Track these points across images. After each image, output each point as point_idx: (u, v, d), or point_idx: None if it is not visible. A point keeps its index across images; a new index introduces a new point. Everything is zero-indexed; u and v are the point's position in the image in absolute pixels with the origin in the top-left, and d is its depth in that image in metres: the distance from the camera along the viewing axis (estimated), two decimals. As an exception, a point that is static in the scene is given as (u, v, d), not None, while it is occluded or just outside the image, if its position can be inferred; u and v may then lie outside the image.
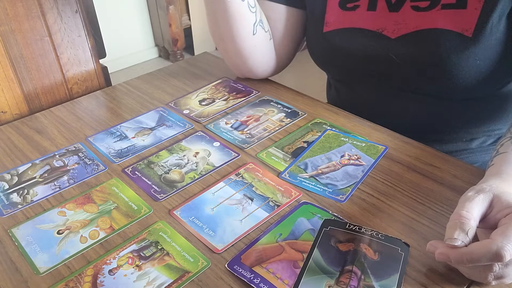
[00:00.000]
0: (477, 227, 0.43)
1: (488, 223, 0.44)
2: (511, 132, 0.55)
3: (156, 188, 0.59)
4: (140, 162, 0.64)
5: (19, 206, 0.57)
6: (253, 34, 0.74)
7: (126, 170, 0.63)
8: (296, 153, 0.64)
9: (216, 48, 0.82)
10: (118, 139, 0.70)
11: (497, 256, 0.39)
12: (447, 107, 0.70)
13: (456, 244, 0.41)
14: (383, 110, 0.74)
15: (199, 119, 0.74)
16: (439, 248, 0.43)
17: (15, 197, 0.59)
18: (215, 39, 0.79)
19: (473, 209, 0.43)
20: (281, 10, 0.77)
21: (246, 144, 0.67)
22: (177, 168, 0.62)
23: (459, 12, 0.59)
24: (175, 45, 2.73)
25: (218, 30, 0.75)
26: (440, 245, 0.43)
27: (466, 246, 0.41)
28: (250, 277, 0.46)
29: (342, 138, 0.66)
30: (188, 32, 2.76)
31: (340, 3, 0.70)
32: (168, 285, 0.46)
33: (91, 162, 0.65)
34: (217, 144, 0.67)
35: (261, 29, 0.75)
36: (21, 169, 0.64)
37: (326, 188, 0.57)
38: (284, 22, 0.78)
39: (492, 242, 0.40)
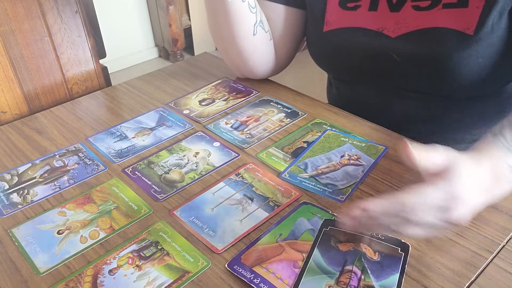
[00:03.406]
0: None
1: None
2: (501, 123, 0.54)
3: (156, 188, 0.59)
4: (140, 162, 0.64)
5: (19, 206, 0.57)
6: (254, 35, 0.74)
7: (126, 170, 0.63)
8: (296, 153, 0.64)
9: (216, 48, 0.82)
10: (118, 139, 0.70)
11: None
12: (449, 107, 0.70)
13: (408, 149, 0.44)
14: (384, 110, 0.74)
15: (199, 119, 0.74)
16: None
17: (15, 197, 0.59)
18: (215, 40, 0.79)
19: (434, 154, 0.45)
20: (280, 10, 0.77)
21: (246, 144, 0.67)
22: (177, 168, 0.62)
23: (461, 11, 0.59)
24: (175, 45, 2.73)
25: (218, 30, 0.75)
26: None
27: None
28: (250, 277, 0.46)
29: (342, 138, 0.66)
30: (188, 32, 2.76)
31: (341, 2, 0.70)
32: (168, 285, 0.46)
33: (91, 162, 0.65)
34: (217, 144, 0.67)
35: (262, 30, 0.75)
36: (21, 169, 0.64)
37: (326, 188, 0.57)
38: (284, 22, 0.78)
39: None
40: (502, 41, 0.59)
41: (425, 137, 0.67)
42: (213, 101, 0.79)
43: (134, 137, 0.70)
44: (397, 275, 0.45)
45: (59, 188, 0.60)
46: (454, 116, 0.71)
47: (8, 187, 0.61)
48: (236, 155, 0.64)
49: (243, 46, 0.75)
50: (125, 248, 0.50)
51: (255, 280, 0.45)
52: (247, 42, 0.75)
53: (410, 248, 0.48)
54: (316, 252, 0.48)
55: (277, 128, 0.70)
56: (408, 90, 0.70)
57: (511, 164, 0.47)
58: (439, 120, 0.72)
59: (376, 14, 0.67)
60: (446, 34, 0.60)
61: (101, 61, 0.91)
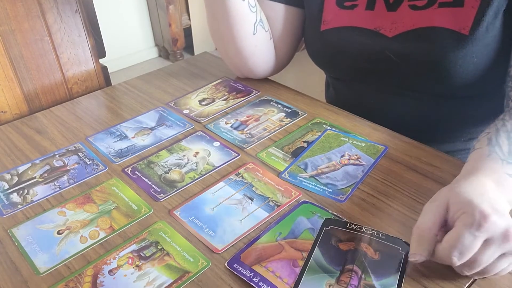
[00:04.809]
0: (444, 230, 0.44)
1: (450, 226, 0.44)
2: (489, 128, 0.54)
3: (156, 188, 0.59)
4: (140, 162, 0.64)
5: (19, 206, 0.57)
6: (254, 34, 0.74)
7: (126, 170, 0.63)
8: (296, 153, 0.64)
9: (216, 48, 0.82)
10: (118, 139, 0.70)
11: (450, 262, 0.42)
12: (446, 105, 0.70)
13: (416, 259, 0.43)
14: (381, 109, 0.74)
15: (199, 119, 0.74)
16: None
17: (15, 197, 0.59)
18: (215, 40, 0.79)
19: (428, 220, 0.44)
20: (280, 9, 0.77)
21: (246, 144, 0.67)
22: (177, 168, 0.62)
23: (456, 10, 0.59)
24: (175, 45, 2.73)
25: (218, 30, 0.75)
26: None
27: (429, 255, 0.43)
28: (250, 275, 0.46)
29: (342, 138, 0.66)
30: (188, 32, 2.76)
31: (338, 1, 0.70)
32: (168, 285, 0.46)
33: (91, 162, 0.65)
34: (217, 144, 0.67)
35: (262, 29, 0.75)
36: (21, 169, 0.64)
37: (326, 188, 0.57)
38: (283, 21, 0.78)
39: (441, 250, 0.42)
40: (497, 41, 0.59)
41: (423, 136, 0.68)
42: (213, 101, 0.79)
43: (134, 137, 0.70)
44: (397, 275, 0.45)
45: (59, 188, 0.60)
46: (451, 115, 0.71)
47: (8, 187, 0.61)
48: (236, 155, 0.64)
49: (243, 46, 0.75)
50: (125, 248, 0.50)
51: (254, 279, 0.45)
52: (247, 41, 0.75)
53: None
54: (317, 251, 0.48)
55: (277, 128, 0.70)
56: (405, 89, 0.70)
57: (510, 173, 0.47)
58: (437, 119, 0.72)
59: (373, 14, 0.67)
60: (441, 34, 0.61)
61: (101, 60, 0.91)
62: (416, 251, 0.43)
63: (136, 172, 0.62)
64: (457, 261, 0.41)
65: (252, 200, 0.56)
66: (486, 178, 0.46)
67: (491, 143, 0.50)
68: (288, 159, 0.63)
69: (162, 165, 0.63)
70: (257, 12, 0.73)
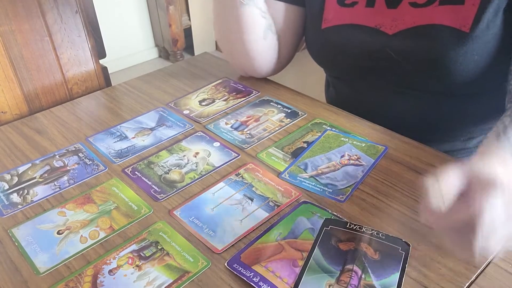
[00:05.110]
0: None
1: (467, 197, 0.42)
2: (497, 126, 0.53)
3: (156, 188, 0.59)
4: (140, 162, 0.64)
5: (19, 206, 0.57)
6: (264, 39, 0.75)
7: (126, 170, 0.63)
8: (296, 153, 0.64)
9: (216, 48, 0.82)
10: (118, 139, 0.70)
11: (478, 212, 0.37)
12: (446, 104, 0.70)
13: (433, 205, 0.40)
14: (381, 108, 0.74)
15: (199, 119, 0.74)
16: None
17: (15, 197, 0.59)
18: (221, 41, 0.79)
19: (449, 178, 0.41)
20: (281, 8, 0.77)
21: (246, 144, 0.67)
22: (177, 168, 0.62)
23: (457, 8, 0.60)
24: (175, 45, 2.73)
25: (227, 35, 0.76)
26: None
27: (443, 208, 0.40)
28: (250, 275, 0.46)
29: (342, 138, 0.66)
30: (188, 32, 2.76)
31: None
32: (168, 285, 0.46)
33: (91, 162, 0.65)
34: (217, 144, 0.67)
35: (271, 32, 0.75)
36: (21, 169, 0.64)
37: (326, 188, 0.57)
38: (285, 20, 0.78)
39: (471, 203, 0.38)
40: (498, 38, 0.59)
41: (422, 136, 0.68)
42: (213, 101, 0.79)
43: (134, 137, 0.70)
44: (397, 275, 0.45)
45: (59, 188, 0.60)
46: (451, 114, 0.71)
47: (8, 187, 0.61)
48: (236, 155, 0.64)
49: (252, 49, 0.76)
50: (125, 248, 0.50)
51: (254, 279, 0.45)
52: (257, 45, 0.75)
53: (410, 247, 0.48)
54: (316, 251, 0.48)
55: (277, 128, 0.70)
56: (406, 88, 0.70)
57: None
58: (437, 118, 0.72)
59: (373, 11, 0.67)
60: (442, 31, 0.61)
61: (101, 61, 0.91)
62: (434, 198, 0.40)
63: (136, 172, 0.62)
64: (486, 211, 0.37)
65: (252, 200, 0.56)
66: (495, 162, 0.43)
67: (500, 138, 0.50)
68: (288, 159, 0.63)
69: (162, 166, 0.63)
70: (267, 17, 0.74)
